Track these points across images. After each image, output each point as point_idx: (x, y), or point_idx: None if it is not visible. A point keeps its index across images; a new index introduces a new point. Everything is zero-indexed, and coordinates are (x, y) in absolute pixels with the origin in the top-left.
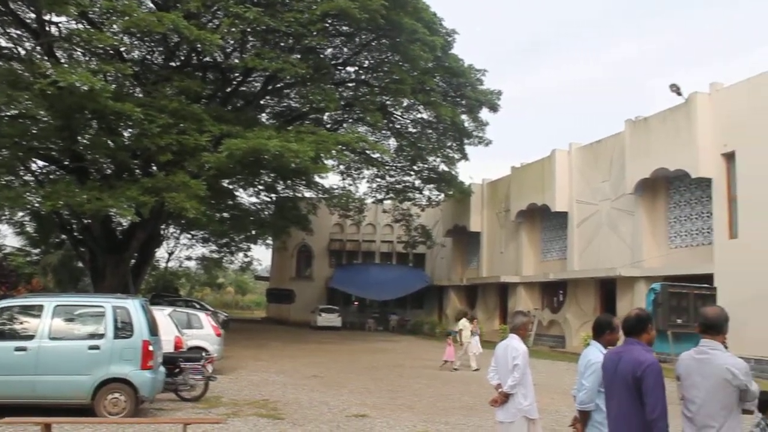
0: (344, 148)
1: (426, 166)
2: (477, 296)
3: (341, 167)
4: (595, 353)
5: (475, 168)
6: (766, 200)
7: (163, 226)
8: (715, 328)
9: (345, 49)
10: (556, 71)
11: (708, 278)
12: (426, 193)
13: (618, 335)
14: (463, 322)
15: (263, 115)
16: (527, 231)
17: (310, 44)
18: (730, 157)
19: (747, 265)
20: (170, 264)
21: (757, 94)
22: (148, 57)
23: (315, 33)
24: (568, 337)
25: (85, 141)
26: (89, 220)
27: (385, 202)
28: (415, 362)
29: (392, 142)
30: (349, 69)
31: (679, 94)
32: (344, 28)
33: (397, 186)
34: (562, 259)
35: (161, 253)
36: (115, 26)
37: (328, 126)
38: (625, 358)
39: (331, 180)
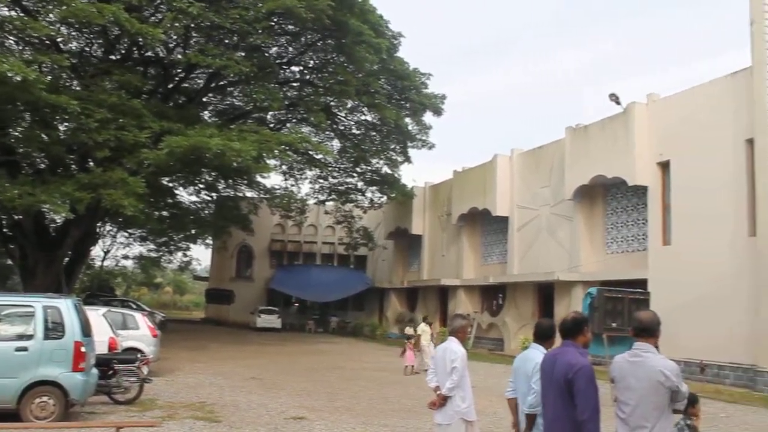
0: (287, 148)
1: (369, 168)
2: (417, 299)
3: (284, 167)
4: (540, 356)
5: (419, 171)
6: (697, 209)
7: (99, 224)
8: (649, 331)
9: (290, 49)
10: (500, 77)
11: (642, 283)
12: (368, 195)
13: (554, 340)
14: (423, 327)
15: (206, 112)
16: (468, 235)
17: (255, 42)
18: (665, 166)
19: (679, 271)
20: (106, 263)
21: (690, 106)
22: (87, 49)
23: (260, 31)
24: (506, 340)
25: (16, 134)
26: (20, 216)
27: (327, 203)
28: (354, 364)
29: (336, 144)
30: (294, 68)
31: (618, 103)
32: (290, 27)
33: (339, 187)
34: (503, 263)
35: (97, 251)
36: (51, 15)
37: (272, 125)
38: (559, 360)
39: (274, 180)
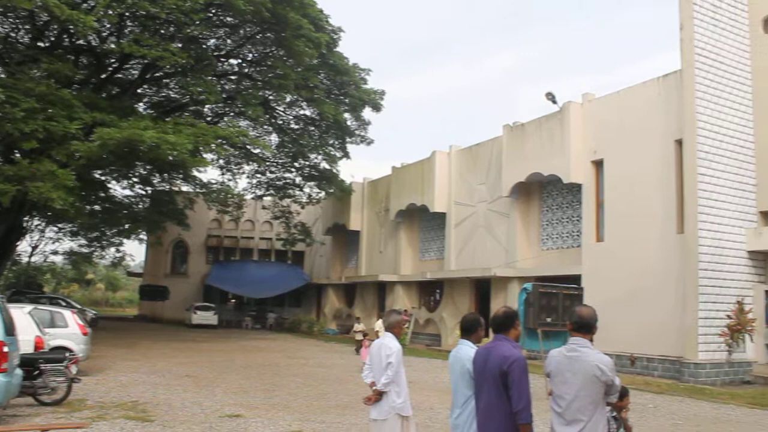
0: (224, 142)
1: (307, 163)
2: (355, 295)
3: (221, 161)
4: (470, 351)
5: (358, 167)
6: (629, 206)
7: (26, 218)
8: (587, 327)
9: (228, 41)
10: (442, 75)
11: (577, 279)
12: (307, 190)
13: (482, 333)
14: (379, 323)
15: (140, 104)
16: (406, 231)
17: (192, 33)
18: (598, 165)
19: (611, 266)
20: (34, 258)
21: (623, 107)
22: (13, 35)
23: (197, 22)
24: (443, 335)
25: None
26: None
27: (264, 198)
28: (291, 361)
29: (274, 138)
30: (232, 61)
31: (554, 102)
32: (228, 19)
33: (277, 182)
34: (440, 259)
35: (24, 246)
36: None
37: (209, 119)
38: (493, 353)
39: (210, 174)
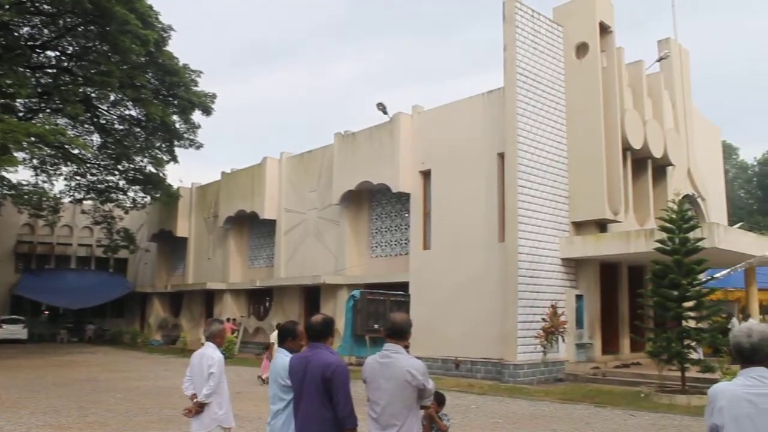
0: (38, 140)
1: (132, 166)
2: (182, 304)
3: (34, 161)
4: (285, 359)
5: (187, 172)
6: (454, 215)
7: None
8: (400, 333)
9: (45, 31)
10: (275, 81)
11: (405, 286)
12: (131, 194)
13: (301, 342)
14: (275, 335)
15: None
16: (235, 238)
17: (2, 19)
18: (426, 175)
19: (437, 273)
20: None
21: (451, 120)
22: None
23: (8, 7)
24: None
25: None
26: None
27: (84, 202)
28: (111, 375)
29: (96, 139)
30: (50, 53)
31: (385, 112)
32: (46, 6)
33: (99, 185)
34: (270, 267)
35: None
36: None
37: (21, 114)
38: (314, 361)
39: (22, 175)
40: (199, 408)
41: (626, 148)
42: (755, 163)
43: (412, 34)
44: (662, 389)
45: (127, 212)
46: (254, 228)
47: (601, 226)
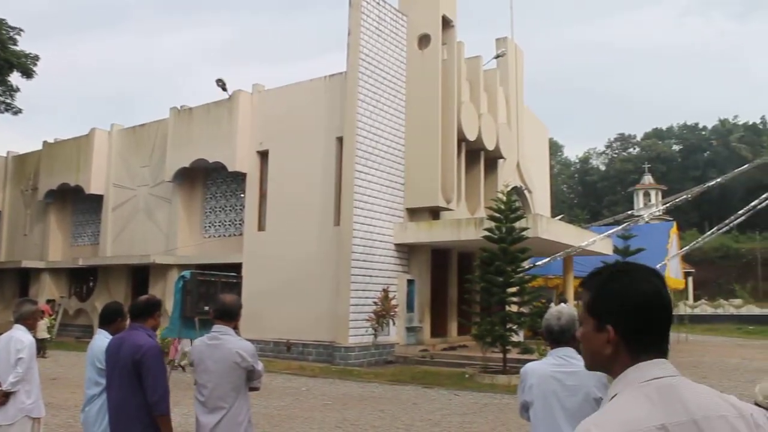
0: None
1: None
2: None
3: None
4: (105, 341)
5: (3, 140)
6: (291, 197)
7: None
8: (229, 314)
9: None
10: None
11: (238, 267)
12: None
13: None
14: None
15: None
16: (57, 213)
17: None
18: (264, 155)
19: (272, 256)
20: None
21: (291, 101)
22: None
23: None
24: (96, 326)
25: None
26: None
27: None
28: None
29: None
30: None
31: (225, 89)
32: None
33: None
34: (95, 245)
35: None
36: None
37: None
38: (126, 343)
39: None
40: (4, 398)
41: (461, 139)
42: (577, 161)
43: (260, 10)
44: (485, 370)
45: None
46: (79, 203)
47: (434, 213)
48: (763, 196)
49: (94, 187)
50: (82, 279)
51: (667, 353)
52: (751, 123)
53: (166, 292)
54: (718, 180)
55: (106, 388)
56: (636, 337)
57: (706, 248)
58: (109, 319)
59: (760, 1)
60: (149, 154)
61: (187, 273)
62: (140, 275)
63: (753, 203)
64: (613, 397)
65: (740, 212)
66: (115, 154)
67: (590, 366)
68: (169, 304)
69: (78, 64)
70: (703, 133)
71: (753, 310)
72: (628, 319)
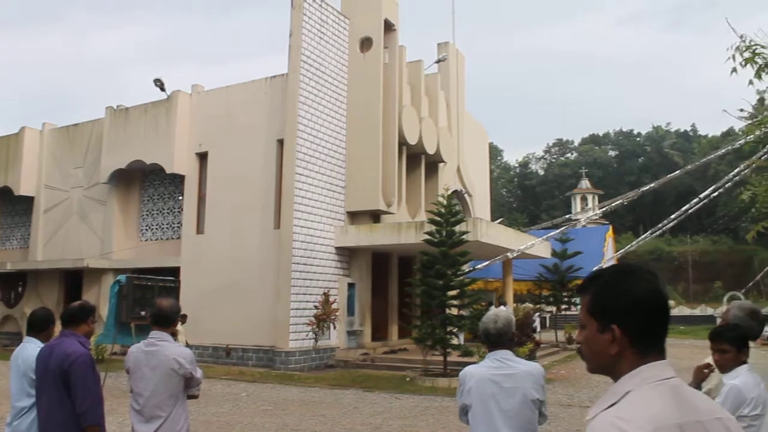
0: None
1: None
2: None
3: None
4: (35, 350)
5: None
6: (231, 200)
7: None
8: (166, 320)
9: None
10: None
11: (176, 271)
12: None
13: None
14: (180, 327)
15: None
16: None
17: None
18: (203, 157)
19: (211, 259)
20: None
21: (231, 102)
22: None
23: None
24: (24, 334)
25: None
26: None
27: None
28: None
29: None
30: None
31: (163, 89)
32: None
33: None
34: (25, 248)
35: None
36: None
37: None
38: (56, 351)
39: None
40: None
41: (402, 143)
42: (516, 165)
43: (197, 11)
44: (426, 373)
45: None
46: (7, 205)
47: (375, 216)
48: (694, 200)
49: (24, 189)
50: (10, 284)
51: (665, 352)
52: (682, 130)
53: (101, 298)
54: (652, 185)
55: (36, 399)
56: (642, 335)
57: (640, 251)
58: (39, 326)
59: (688, 14)
60: (83, 155)
61: (122, 277)
62: (73, 280)
63: (684, 207)
64: (627, 393)
65: (672, 216)
66: (47, 155)
67: (593, 368)
68: (104, 310)
69: (7, 61)
70: (638, 139)
71: (684, 311)
72: (635, 318)
